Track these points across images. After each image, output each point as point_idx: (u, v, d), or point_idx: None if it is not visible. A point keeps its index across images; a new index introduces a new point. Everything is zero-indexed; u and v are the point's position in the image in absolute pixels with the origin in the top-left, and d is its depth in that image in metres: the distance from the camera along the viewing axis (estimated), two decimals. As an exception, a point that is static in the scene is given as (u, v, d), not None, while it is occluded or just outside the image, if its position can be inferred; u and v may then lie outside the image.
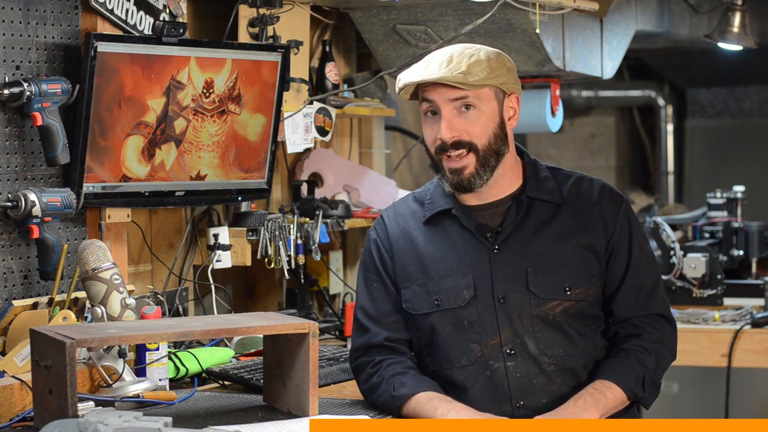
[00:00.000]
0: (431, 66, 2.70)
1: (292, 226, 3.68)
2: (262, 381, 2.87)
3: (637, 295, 2.78)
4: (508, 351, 2.72)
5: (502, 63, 2.73)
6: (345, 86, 4.17)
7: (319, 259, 3.78)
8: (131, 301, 2.91)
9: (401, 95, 2.76)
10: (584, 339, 2.75)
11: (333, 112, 3.89)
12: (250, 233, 3.66)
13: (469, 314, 2.73)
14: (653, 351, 2.75)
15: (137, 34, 3.23)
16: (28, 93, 2.96)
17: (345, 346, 3.54)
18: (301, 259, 3.71)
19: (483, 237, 2.76)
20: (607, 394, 2.68)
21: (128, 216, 3.36)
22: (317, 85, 4.03)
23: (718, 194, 5.17)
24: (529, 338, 2.71)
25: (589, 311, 2.76)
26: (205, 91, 3.33)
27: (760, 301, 4.67)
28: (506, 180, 2.78)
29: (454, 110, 2.70)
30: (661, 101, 7.68)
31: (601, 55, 4.45)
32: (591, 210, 2.78)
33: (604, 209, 2.79)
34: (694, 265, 4.70)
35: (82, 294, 2.97)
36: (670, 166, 7.75)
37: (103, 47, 3.06)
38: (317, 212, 3.79)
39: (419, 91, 2.73)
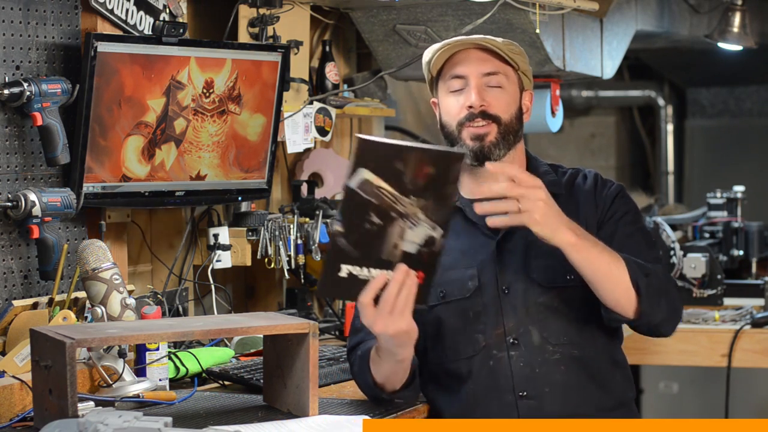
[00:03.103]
0: (468, 37, 2.80)
1: (292, 226, 3.68)
2: (262, 381, 2.87)
3: (633, 251, 2.74)
4: (511, 341, 2.74)
5: (526, 56, 2.86)
6: (345, 86, 4.17)
7: (319, 259, 3.77)
8: (131, 301, 2.91)
9: (430, 66, 2.80)
10: (588, 327, 2.77)
11: (333, 112, 3.89)
12: (250, 233, 3.66)
13: (474, 305, 2.76)
14: (665, 274, 2.74)
15: (137, 34, 3.23)
16: (28, 93, 2.96)
17: (345, 346, 3.54)
18: (301, 259, 3.71)
19: (487, 229, 2.78)
20: (610, 250, 2.65)
21: (128, 216, 3.36)
22: (317, 85, 4.03)
23: (718, 194, 5.17)
24: (533, 327, 2.74)
25: (592, 297, 2.76)
26: (205, 91, 3.33)
27: (760, 301, 4.67)
28: None
29: (484, 85, 2.77)
30: (661, 101, 7.67)
31: (601, 55, 4.45)
32: (586, 196, 2.84)
33: (597, 192, 2.84)
34: (694, 265, 4.69)
35: (82, 294, 2.97)
36: (670, 166, 7.75)
37: (103, 47, 3.06)
38: (317, 212, 3.79)
39: (446, 68, 2.79)
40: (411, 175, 2.44)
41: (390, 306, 2.47)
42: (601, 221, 2.81)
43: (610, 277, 2.64)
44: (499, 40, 2.80)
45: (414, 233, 2.46)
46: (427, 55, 2.82)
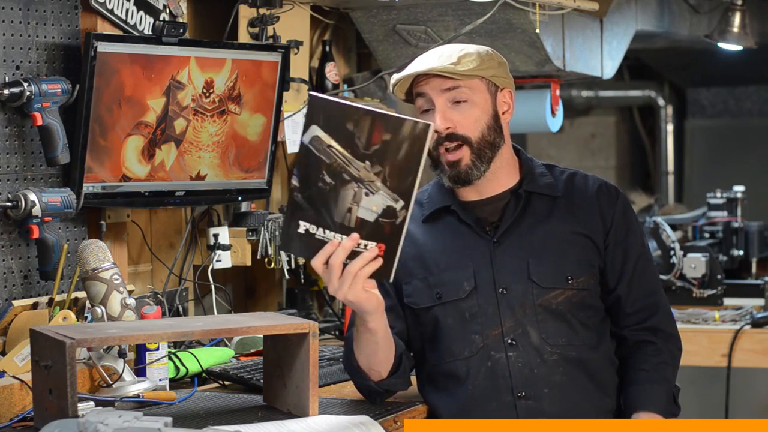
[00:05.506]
0: (423, 60, 2.77)
1: (292, 226, 3.68)
2: (262, 381, 2.87)
3: (640, 286, 2.82)
4: (509, 341, 2.74)
5: (493, 57, 2.79)
6: (345, 86, 4.17)
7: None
8: (131, 301, 2.91)
9: (395, 94, 2.81)
10: (586, 330, 2.77)
11: (333, 112, 3.88)
12: (250, 233, 3.66)
13: (470, 306, 2.76)
14: (670, 359, 2.81)
15: (137, 34, 3.23)
16: (28, 93, 2.96)
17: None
18: (301, 259, 3.70)
19: (482, 231, 2.79)
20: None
21: (128, 216, 3.36)
22: (317, 85, 4.03)
23: (718, 194, 5.16)
24: (531, 328, 2.74)
25: (590, 301, 2.78)
26: (205, 91, 3.33)
27: (760, 301, 4.67)
28: (504, 175, 2.82)
29: (447, 102, 2.74)
30: (661, 101, 7.67)
31: (601, 55, 4.45)
32: (588, 203, 2.82)
33: (601, 202, 2.83)
34: (694, 265, 4.69)
35: (82, 294, 2.97)
36: (670, 166, 7.76)
37: (103, 47, 3.06)
38: (317, 212, 3.79)
39: (413, 88, 2.77)
40: (365, 138, 2.41)
41: (337, 272, 2.48)
42: (610, 240, 2.81)
43: None
44: (456, 53, 2.74)
45: (371, 201, 2.44)
46: (390, 85, 2.82)
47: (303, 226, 2.47)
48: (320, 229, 2.47)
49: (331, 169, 2.43)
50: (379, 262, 2.47)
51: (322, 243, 2.48)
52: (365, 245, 2.46)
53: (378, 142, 2.41)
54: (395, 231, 2.45)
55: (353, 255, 2.47)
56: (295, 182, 2.46)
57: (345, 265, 2.47)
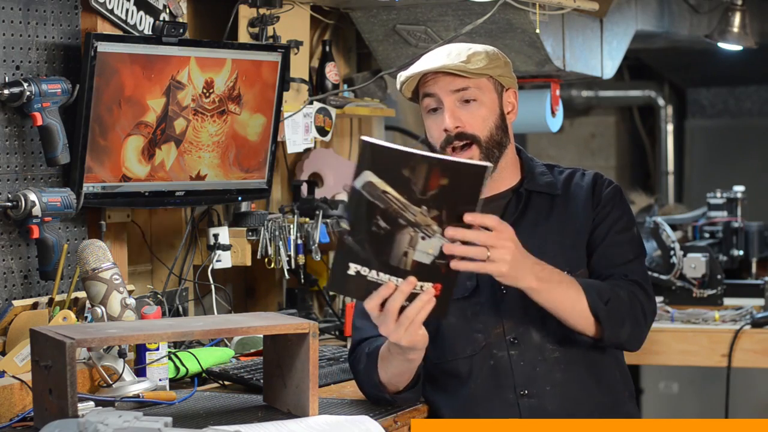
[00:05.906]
0: (431, 58, 2.77)
1: (292, 226, 3.68)
2: (262, 381, 2.87)
3: (618, 257, 2.79)
4: (511, 339, 2.75)
5: (499, 57, 2.80)
6: (345, 86, 4.17)
7: (319, 259, 3.77)
8: (131, 301, 2.91)
9: (403, 92, 2.80)
10: None
11: (333, 112, 3.89)
12: (250, 233, 3.66)
13: (473, 304, 2.77)
14: (630, 295, 2.74)
15: (137, 34, 3.23)
16: (28, 93, 2.96)
17: (345, 346, 3.54)
18: (301, 259, 3.70)
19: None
20: (573, 284, 2.67)
21: (128, 216, 3.36)
22: (317, 85, 4.03)
23: (718, 194, 5.16)
24: (532, 326, 2.74)
25: None
26: (205, 91, 3.33)
27: (760, 301, 4.67)
28: (507, 174, 2.84)
29: (456, 102, 2.75)
30: (661, 101, 7.68)
31: (601, 55, 4.45)
32: (585, 194, 2.84)
33: (595, 190, 2.85)
34: (694, 265, 4.69)
35: (82, 294, 2.97)
36: (670, 166, 7.76)
37: (103, 47, 3.06)
38: (317, 212, 3.79)
39: (420, 87, 2.77)
40: (421, 184, 2.37)
41: (394, 316, 2.45)
42: (596, 220, 2.82)
43: (571, 312, 2.68)
44: (465, 52, 2.75)
45: (427, 244, 2.40)
46: (398, 83, 2.81)
47: (354, 268, 2.42)
48: (372, 271, 2.42)
49: (386, 214, 2.37)
50: (434, 302, 2.44)
51: (374, 284, 2.44)
52: (421, 286, 2.44)
53: (435, 187, 2.37)
54: (451, 270, 2.43)
55: (410, 297, 2.44)
56: (345, 226, 2.41)
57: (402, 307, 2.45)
